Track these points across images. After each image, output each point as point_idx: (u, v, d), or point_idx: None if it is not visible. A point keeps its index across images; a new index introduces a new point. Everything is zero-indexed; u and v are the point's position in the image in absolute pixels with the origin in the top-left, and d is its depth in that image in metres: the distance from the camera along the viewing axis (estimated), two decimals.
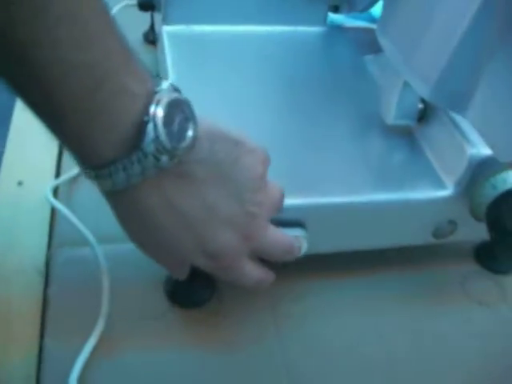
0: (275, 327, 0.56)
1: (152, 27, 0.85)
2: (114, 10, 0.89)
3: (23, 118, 0.73)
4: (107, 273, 0.56)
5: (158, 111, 0.38)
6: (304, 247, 0.52)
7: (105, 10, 0.37)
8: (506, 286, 0.62)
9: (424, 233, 0.58)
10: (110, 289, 0.55)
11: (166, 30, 0.69)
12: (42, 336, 0.52)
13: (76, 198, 0.64)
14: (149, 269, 0.57)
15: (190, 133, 0.40)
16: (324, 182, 0.54)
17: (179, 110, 0.40)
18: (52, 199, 0.63)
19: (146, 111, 0.38)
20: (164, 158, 0.39)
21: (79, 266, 0.58)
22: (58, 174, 0.68)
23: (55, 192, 0.65)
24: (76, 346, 0.51)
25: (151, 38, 0.85)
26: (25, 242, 0.60)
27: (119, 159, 0.38)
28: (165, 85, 0.40)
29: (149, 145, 0.38)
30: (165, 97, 0.39)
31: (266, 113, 0.62)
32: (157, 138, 0.38)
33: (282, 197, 0.49)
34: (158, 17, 0.76)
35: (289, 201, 0.50)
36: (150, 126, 0.38)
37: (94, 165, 0.39)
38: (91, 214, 0.61)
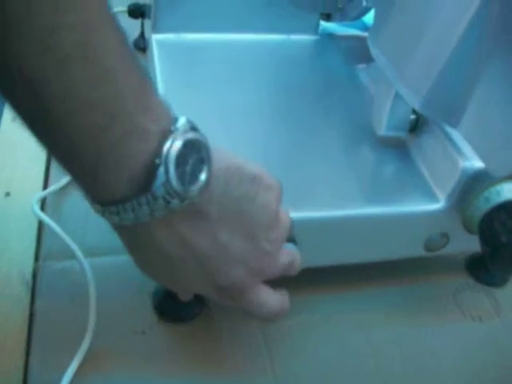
0: (265, 342, 0.55)
1: (142, 34, 0.85)
2: None
3: (11, 128, 0.72)
4: (94, 286, 0.56)
5: (171, 153, 0.36)
6: None
7: (121, 44, 0.35)
8: (498, 298, 0.62)
9: (416, 246, 0.57)
10: (97, 302, 0.55)
11: (156, 39, 0.69)
12: (28, 351, 0.52)
13: (63, 209, 0.64)
14: (136, 282, 0.57)
15: (203, 176, 0.38)
16: (315, 196, 0.54)
17: (194, 150, 0.38)
18: (39, 212, 0.62)
19: (158, 152, 0.36)
20: (174, 201, 0.37)
21: (66, 279, 0.57)
22: (45, 186, 0.67)
23: (43, 203, 0.64)
24: (63, 361, 0.50)
25: (141, 45, 0.84)
26: (11, 253, 0.60)
27: (128, 199, 0.37)
28: (181, 122, 0.38)
29: (159, 188, 0.36)
30: (179, 137, 0.37)
31: (256, 123, 0.61)
32: (167, 181, 0.36)
33: (291, 224, 0.48)
34: (148, 24, 0.76)
35: None
36: (161, 169, 0.36)
37: (102, 201, 0.38)
38: (78, 226, 0.61)
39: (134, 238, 0.42)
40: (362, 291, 0.60)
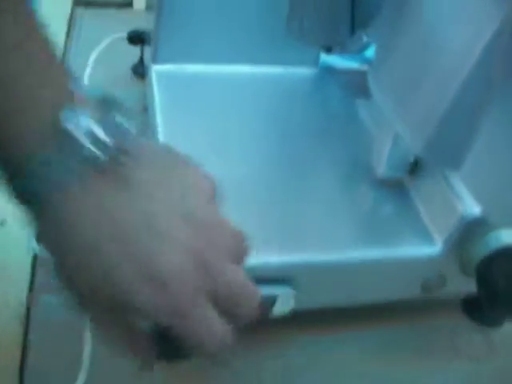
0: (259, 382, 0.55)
1: (141, 60, 0.84)
2: (105, 43, 0.88)
3: None
4: (89, 320, 0.55)
5: (91, 106, 0.37)
6: (291, 304, 0.51)
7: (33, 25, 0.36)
8: (494, 339, 0.62)
9: (413, 287, 0.57)
10: (92, 336, 0.54)
11: (156, 69, 0.68)
12: None
13: None
14: None
15: (129, 128, 0.38)
16: (312, 238, 0.53)
17: (115, 108, 0.38)
18: (34, 243, 0.61)
19: (80, 108, 0.36)
20: (100, 155, 0.36)
21: (60, 312, 0.56)
22: None
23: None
24: None
25: (140, 71, 0.84)
26: (5, 285, 0.59)
27: (51, 157, 0.35)
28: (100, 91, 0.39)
29: (82, 137, 0.36)
30: (100, 96, 0.38)
31: (252, 159, 0.61)
32: (92, 132, 0.36)
33: (245, 240, 0.43)
34: (147, 50, 0.76)
35: (275, 258, 0.49)
36: (85, 121, 0.36)
37: (26, 166, 0.36)
38: None
39: (51, 216, 0.37)
40: (356, 332, 0.60)
